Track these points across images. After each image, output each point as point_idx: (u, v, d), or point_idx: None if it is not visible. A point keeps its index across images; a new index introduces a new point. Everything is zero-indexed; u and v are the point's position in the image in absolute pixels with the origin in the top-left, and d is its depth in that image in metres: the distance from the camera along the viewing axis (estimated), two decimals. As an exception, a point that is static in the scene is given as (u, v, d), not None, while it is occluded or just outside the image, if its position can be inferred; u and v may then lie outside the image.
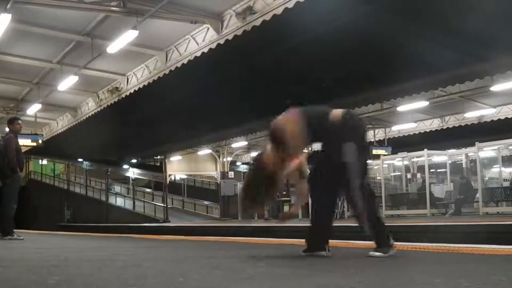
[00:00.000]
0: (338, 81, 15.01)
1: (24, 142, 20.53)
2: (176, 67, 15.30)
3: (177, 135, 24.79)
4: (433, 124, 25.18)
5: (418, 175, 21.18)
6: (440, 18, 11.23)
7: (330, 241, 3.74)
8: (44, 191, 39.78)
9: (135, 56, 16.59)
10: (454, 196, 17.31)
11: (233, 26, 12.86)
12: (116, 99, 19.25)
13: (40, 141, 22.38)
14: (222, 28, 13.29)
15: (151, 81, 16.87)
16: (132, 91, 18.16)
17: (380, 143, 26.69)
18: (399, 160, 21.25)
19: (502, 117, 22.24)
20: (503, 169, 17.70)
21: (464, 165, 19.22)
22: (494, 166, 18.35)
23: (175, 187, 39.05)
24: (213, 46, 13.55)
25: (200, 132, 24.30)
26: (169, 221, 29.13)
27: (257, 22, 11.95)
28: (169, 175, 34.87)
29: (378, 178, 24.14)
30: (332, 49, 12.11)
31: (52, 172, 43.94)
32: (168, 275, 2.63)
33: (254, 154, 38.88)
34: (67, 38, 15.50)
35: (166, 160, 33.68)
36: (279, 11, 11.35)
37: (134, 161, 40.75)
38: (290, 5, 10.95)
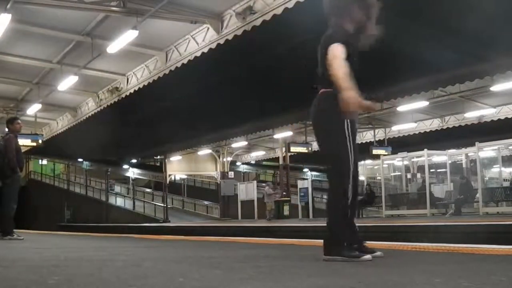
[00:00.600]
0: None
1: (24, 142, 20.55)
2: (176, 67, 15.30)
3: (177, 135, 24.80)
4: (433, 124, 25.19)
5: (418, 175, 21.18)
6: (440, 18, 11.23)
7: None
8: (44, 191, 39.80)
9: (135, 56, 16.58)
10: (454, 196, 17.32)
11: (233, 26, 12.86)
12: (116, 99, 19.25)
13: (40, 141, 22.39)
14: (222, 28, 13.29)
15: (151, 81, 16.87)
16: (132, 91, 18.16)
17: (380, 143, 26.70)
18: (399, 160, 21.25)
19: (502, 117, 22.25)
20: (503, 169, 17.70)
21: (464, 165, 19.22)
22: (494, 166, 18.35)
23: (175, 187, 39.08)
24: (213, 46, 13.55)
25: (200, 132, 24.31)
26: (169, 221, 29.15)
27: (257, 22, 11.95)
28: (169, 175, 34.89)
29: (378, 178, 24.15)
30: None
31: (52, 172, 43.97)
32: (168, 275, 2.63)
33: (254, 154, 38.99)
34: (67, 38, 15.50)
35: (166, 160, 33.70)
36: (279, 11, 11.35)
37: (134, 161, 40.78)
38: (290, 5, 10.95)
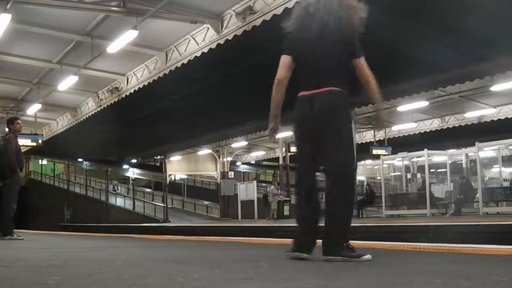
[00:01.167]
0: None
1: (24, 142, 20.55)
2: (176, 67, 15.30)
3: (177, 135, 24.80)
4: (433, 124, 25.19)
5: (418, 175, 21.17)
6: (440, 18, 11.23)
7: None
8: (44, 191, 39.82)
9: (135, 56, 16.58)
10: (454, 196, 17.31)
11: (233, 26, 12.85)
12: (116, 99, 19.25)
13: (40, 141, 22.39)
14: (222, 28, 13.28)
15: (151, 81, 16.86)
16: (132, 91, 18.15)
17: (380, 143, 26.71)
18: (399, 160, 21.24)
19: (502, 117, 22.25)
20: (503, 169, 17.69)
21: (464, 165, 19.21)
22: (494, 166, 18.34)
23: (175, 187, 39.06)
24: (213, 46, 13.54)
25: (200, 132, 24.31)
26: (169, 221, 29.15)
27: (257, 22, 11.94)
28: (169, 175, 34.89)
29: (378, 178, 24.14)
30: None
31: (52, 172, 43.97)
32: (168, 275, 2.63)
33: (254, 154, 38.97)
34: (67, 38, 15.50)
35: (166, 160, 33.70)
36: (279, 11, 11.34)
37: (134, 161, 40.77)
38: (290, 5, 10.93)
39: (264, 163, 41.92)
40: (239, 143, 32.08)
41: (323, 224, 3.35)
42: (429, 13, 11.20)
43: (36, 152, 30.69)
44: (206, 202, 36.10)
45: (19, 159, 8.05)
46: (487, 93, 19.31)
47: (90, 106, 22.07)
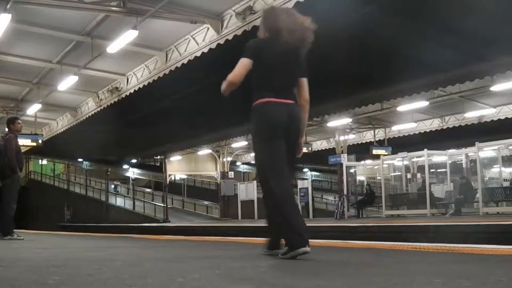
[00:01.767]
0: (338, 81, 15.01)
1: (24, 142, 20.56)
2: (176, 67, 15.30)
3: (177, 135, 24.80)
4: (433, 124, 25.19)
5: (418, 175, 21.17)
6: (440, 18, 11.23)
7: (327, 241, 3.71)
8: (44, 191, 39.82)
9: (135, 56, 16.59)
10: (454, 196, 17.30)
11: (233, 26, 12.85)
12: (116, 99, 19.25)
13: (40, 141, 22.40)
14: (222, 28, 13.28)
15: (151, 81, 16.87)
16: (132, 91, 18.16)
17: (380, 143, 26.72)
18: (399, 160, 21.23)
19: (502, 117, 22.25)
20: (503, 169, 17.68)
21: (464, 165, 19.20)
22: (494, 166, 18.33)
23: (175, 187, 39.08)
24: (213, 46, 13.54)
25: (200, 132, 24.31)
26: (169, 221, 29.15)
27: (257, 22, 11.89)
28: (169, 175, 34.89)
29: (378, 178, 24.13)
30: (332, 49, 12.10)
31: (52, 172, 43.98)
32: (168, 275, 2.63)
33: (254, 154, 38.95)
34: (67, 38, 15.50)
35: (166, 160, 33.71)
36: (279, 11, 11.33)
37: (134, 161, 40.78)
38: (290, 5, 10.94)
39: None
40: (239, 143, 32.07)
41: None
42: (429, 13, 11.21)
43: (36, 152, 30.71)
44: (206, 202, 36.11)
45: (19, 159, 8.05)
46: (487, 93, 19.30)
47: (90, 106, 22.08)
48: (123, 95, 18.71)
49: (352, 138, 28.38)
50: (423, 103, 20.06)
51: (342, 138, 26.25)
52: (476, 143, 16.39)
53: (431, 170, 19.48)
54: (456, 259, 3.37)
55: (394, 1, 10.79)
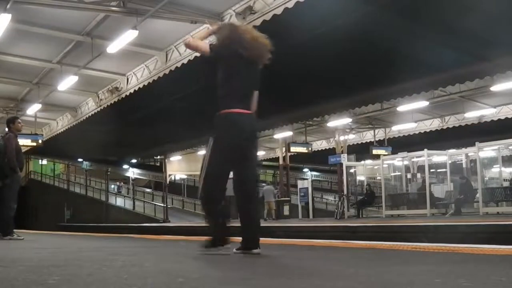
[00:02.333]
0: (338, 81, 15.01)
1: (24, 142, 20.56)
2: (176, 67, 15.30)
3: (177, 135, 24.79)
4: (433, 124, 25.20)
5: (418, 175, 21.15)
6: (440, 18, 11.23)
7: (323, 241, 3.73)
8: (44, 191, 39.80)
9: (135, 56, 16.58)
10: (454, 196, 17.29)
11: (233, 26, 12.84)
12: (116, 99, 19.25)
13: (40, 141, 22.40)
14: (222, 28, 13.26)
15: (151, 81, 16.87)
16: (132, 91, 18.16)
17: (380, 143, 26.72)
18: (399, 160, 21.22)
19: (502, 117, 22.26)
20: (503, 169, 17.67)
21: (464, 165, 19.20)
22: (494, 166, 18.32)
23: (175, 187, 39.06)
24: (213, 46, 13.52)
25: (200, 132, 24.27)
26: (169, 221, 29.14)
27: (257, 22, 11.94)
28: (169, 175, 34.88)
29: (378, 178, 24.14)
30: (332, 49, 12.11)
31: (52, 172, 43.96)
32: (168, 275, 2.63)
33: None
34: (67, 38, 15.50)
35: (166, 160, 33.70)
36: (279, 11, 11.35)
37: (134, 161, 40.78)
38: (290, 5, 10.95)
39: (264, 163, 41.88)
40: (239, 143, 32.04)
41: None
42: (429, 13, 11.21)
43: (36, 152, 30.71)
44: (206, 202, 36.02)
45: (19, 159, 8.04)
46: (487, 93, 19.31)
47: (90, 106, 22.08)
48: (123, 95, 18.71)
49: (352, 138, 28.40)
50: (423, 103, 20.06)
51: (342, 138, 26.27)
52: (476, 143, 16.39)
53: (431, 170, 19.47)
54: (456, 259, 3.37)
55: (394, 1, 10.79)
